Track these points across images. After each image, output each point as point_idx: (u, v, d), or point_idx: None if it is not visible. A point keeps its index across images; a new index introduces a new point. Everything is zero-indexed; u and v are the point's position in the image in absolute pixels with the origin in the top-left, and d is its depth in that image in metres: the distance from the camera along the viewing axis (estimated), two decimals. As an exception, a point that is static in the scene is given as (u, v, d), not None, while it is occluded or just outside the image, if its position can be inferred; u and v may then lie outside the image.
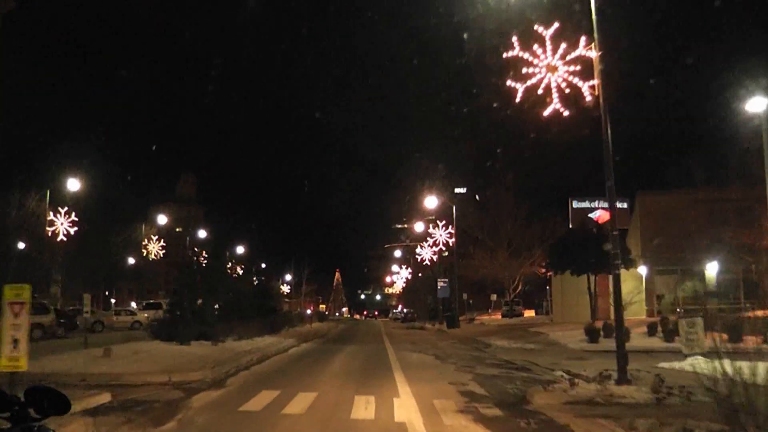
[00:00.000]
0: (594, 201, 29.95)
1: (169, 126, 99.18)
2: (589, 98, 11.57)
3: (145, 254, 56.08)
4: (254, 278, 42.41)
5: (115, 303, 56.64)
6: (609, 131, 11.37)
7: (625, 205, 29.84)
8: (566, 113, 11.66)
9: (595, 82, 11.55)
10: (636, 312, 30.85)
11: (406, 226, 57.32)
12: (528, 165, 47.81)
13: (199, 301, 19.31)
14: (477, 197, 47.62)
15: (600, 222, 29.37)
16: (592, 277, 27.84)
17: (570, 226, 29.88)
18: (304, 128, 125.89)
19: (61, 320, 30.60)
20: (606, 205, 30.47)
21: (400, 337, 30.85)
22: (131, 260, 56.58)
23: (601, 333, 22.71)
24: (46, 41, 74.94)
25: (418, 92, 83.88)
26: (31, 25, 70.66)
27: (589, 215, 29.59)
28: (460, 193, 45.86)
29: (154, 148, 69.25)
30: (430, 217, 49.31)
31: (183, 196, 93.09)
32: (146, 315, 35.94)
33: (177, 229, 72.41)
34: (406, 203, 52.13)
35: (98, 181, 46.26)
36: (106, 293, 58.34)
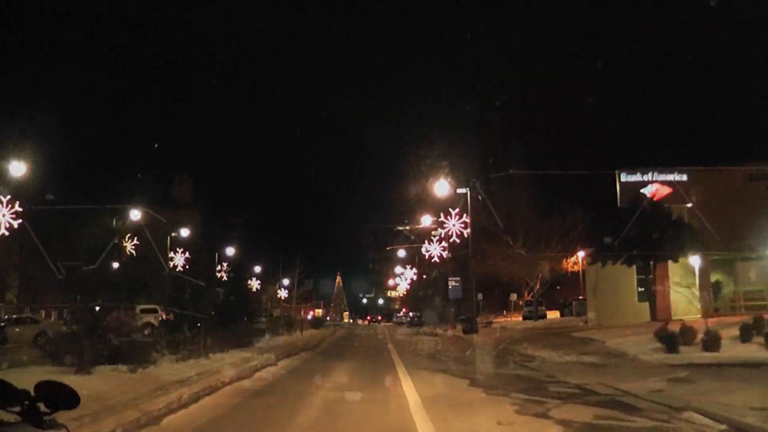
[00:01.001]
0: (647, 173, 24.14)
1: (168, 127, 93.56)
2: None
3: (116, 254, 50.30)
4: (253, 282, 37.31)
5: (99, 310, 51.05)
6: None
7: (684, 177, 24.06)
8: None
9: None
10: (688, 311, 25.36)
11: (408, 228, 52.49)
12: (543, 152, 43.27)
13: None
14: (479, 198, 42.59)
15: (656, 199, 23.57)
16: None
17: (618, 205, 24.06)
18: (306, 133, 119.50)
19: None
20: (662, 177, 24.75)
21: (411, 347, 25.10)
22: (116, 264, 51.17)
23: (679, 339, 17.24)
24: (35, 27, 69.12)
25: (426, 88, 78.95)
26: (24, 15, 64.91)
27: (642, 191, 23.75)
28: (462, 194, 40.73)
29: (156, 146, 63.53)
30: (436, 219, 43.98)
31: (179, 198, 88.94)
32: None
33: (172, 234, 68.16)
34: (412, 198, 47.18)
35: (72, 176, 41.00)
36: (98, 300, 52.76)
